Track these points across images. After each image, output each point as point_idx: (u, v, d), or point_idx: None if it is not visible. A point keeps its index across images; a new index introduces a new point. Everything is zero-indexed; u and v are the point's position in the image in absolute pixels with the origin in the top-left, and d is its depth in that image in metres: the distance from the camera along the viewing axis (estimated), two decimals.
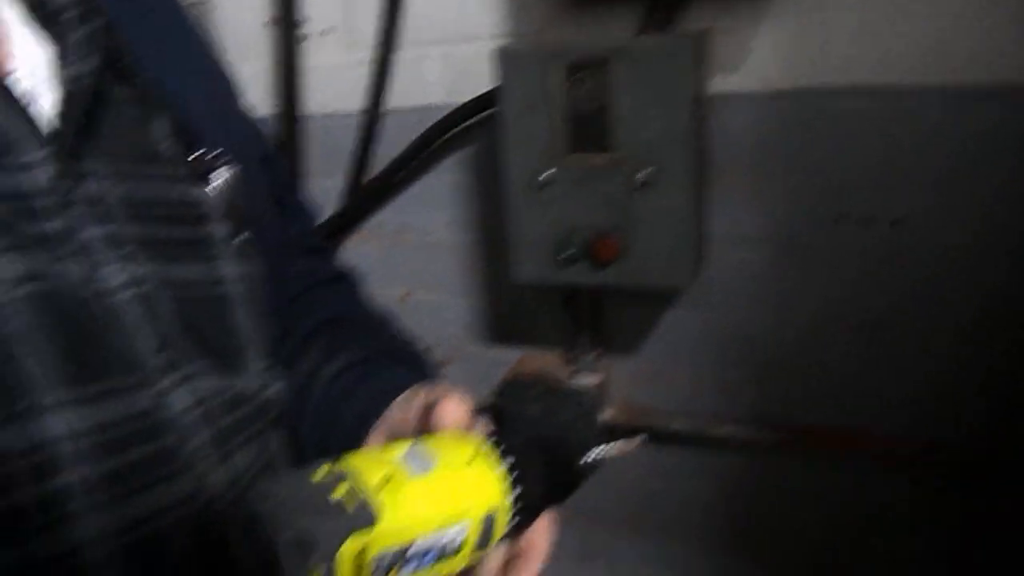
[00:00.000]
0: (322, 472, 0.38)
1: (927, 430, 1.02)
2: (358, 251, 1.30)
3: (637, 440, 0.52)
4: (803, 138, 0.97)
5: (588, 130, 0.89)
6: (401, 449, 0.42)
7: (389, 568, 0.37)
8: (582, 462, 0.50)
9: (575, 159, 0.90)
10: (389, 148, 1.17)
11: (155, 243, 0.44)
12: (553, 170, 0.91)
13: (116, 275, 0.41)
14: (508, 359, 1.24)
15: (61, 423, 0.37)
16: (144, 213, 0.44)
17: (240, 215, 0.51)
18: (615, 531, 1.28)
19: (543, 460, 0.45)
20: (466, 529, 0.41)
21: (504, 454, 0.44)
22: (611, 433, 1.05)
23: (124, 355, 0.40)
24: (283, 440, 0.53)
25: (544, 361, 1.21)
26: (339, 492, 0.37)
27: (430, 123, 1.12)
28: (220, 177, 0.50)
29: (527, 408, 1.16)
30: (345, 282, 0.70)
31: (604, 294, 1.13)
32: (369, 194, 1.21)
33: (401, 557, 0.38)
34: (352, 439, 0.50)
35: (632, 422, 1.16)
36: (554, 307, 1.17)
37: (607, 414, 1.16)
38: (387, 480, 0.38)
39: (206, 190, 0.49)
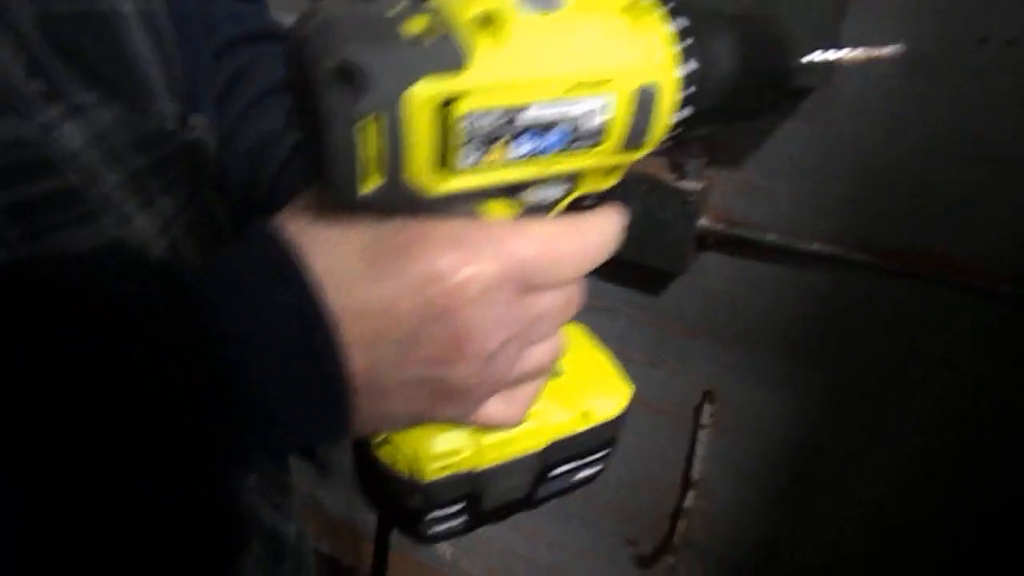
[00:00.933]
0: (388, 4, 0.28)
1: (1018, 265, 1.04)
2: None
3: (894, 47, 0.38)
4: None
5: None
6: None
7: (491, 140, 0.27)
8: (802, 60, 0.36)
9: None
10: None
11: None
12: None
13: None
14: None
15: None
16: None
17: None
18: (691, 335, 1.37)
19: (739, 34, 0.33)
20: (610, 104, 0.29)
21: (675, 13, 0.31)
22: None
23: None
24: (222, 198, 0.48)
25: (649, 163, 1.24)
26: (414, 25, 0.27)
27: None
28: None
29: (632, 203, 1.22)
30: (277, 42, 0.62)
31: None
32: None
33: (509, 126, 0.27)
34: None
35: (726, 231, 1.21)
36: None
37: (703, 220, 1.21)
38: (488, 18, 0.27)
39: None
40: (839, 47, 0.37)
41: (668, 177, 1.20)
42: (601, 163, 0.32)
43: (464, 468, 0.37)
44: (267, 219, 0.32)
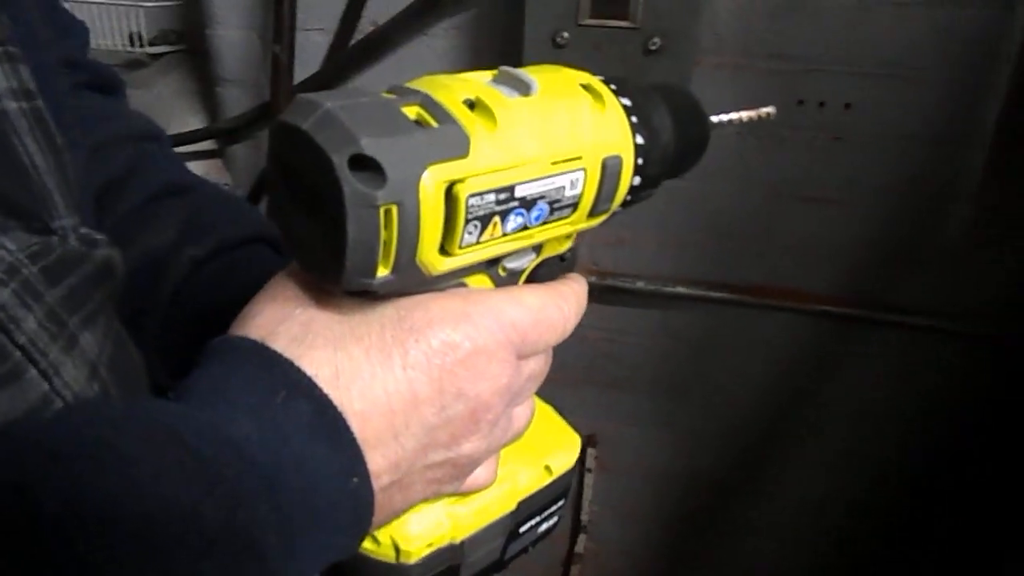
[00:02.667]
0: (381, 90, 0.29)
1: (859, 290, 1.22)
2: None
3: (769, 108, 0.44)
4: (775, 28, 1.10)
5: None
6: (484, 75, 0.32)
7: (490, 218, 0.29)
8: (714, 119, 0.41)
9: (593, 22, 0.98)
10: (383, 6, 1.18)
11: None
12: (570, 32, 0.99)
13: None
14: None
15: None
16: None
17: None
18: (571, 383, 1.43)
19: (668, 106, 0.37)
20: (582, 176, 0.32)
21: (620, 93, 0.35)
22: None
23: None
24: (120, 325, 0.40)
25: None
26: (411, 111, 0.28)
27: None
28: None
29: None
30: (167, 143, 0.56)
31: None
32: (357, 54, 1.22)
33: (503, 204, 0.29)
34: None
35: (599, 283, 1.29)
36: None
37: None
38: (476, 103, 0.29)
39: None
40: (730, 111, 0.43)
41: None
42: (571, 230, 0.35)
43: (446, 541, 0.38)
44: (233, 336, 0.30)
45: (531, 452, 0.43)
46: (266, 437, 0.26)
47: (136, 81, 1.37)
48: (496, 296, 0.33)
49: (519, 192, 0.30)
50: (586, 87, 0.34)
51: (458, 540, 0.38)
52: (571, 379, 1.42)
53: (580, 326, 1.24)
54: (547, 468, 0.43)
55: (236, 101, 1.32)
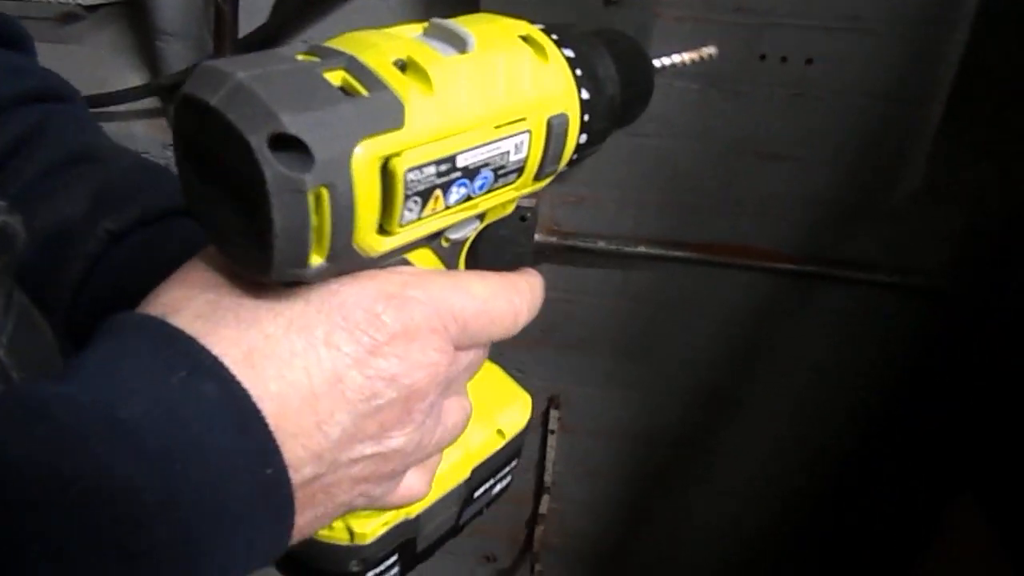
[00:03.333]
0: (298, 51, 0.26)
1: (816, 247, 1.23)
2: None
3: (711, 48, 0.44)
4: None
5: None
6: (414, 29, 0.29)
7: (430, 191, 0.27)
8: (656, 63, 0.40)
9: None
10: None
11: None
12: None
13: None
14: None
15: None
16: None
17: None
18: (532, 346, 1.42)
19: (612, 55, 0.35)
20: (527, 139, 0.30)
21: (562, 43, 0.33)
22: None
23: None
24: (28, 300, 0.38)
25: None
26: (335, 76, 0.25)
27: None
28: None
29: None
30: (81, 105, 0.52)
31: None
32: (305, 5, 1.17)
33: (445, 175, 0.27)
34: None
35: (560, 243, 1.27)
36: None
37: (537, 234, 1.26)
38: (408, 64, 0.26)
39: None
40: (672, 53, 0.43)
41: None
42: (516, 195, 0.33)
43: (400, 517, 0.36)
44: (130, 313, 0.27)
45: (483, 416, 0.41)
46: (159, 421, 0.23)
47: (71, 35, 1.29)
48: (441, 280, 0.30)
49: (461, 161, 0.27)
50: (526, 39, 0.31)
51: (413, 515, 0.37)
52: (531, 340, 1.41)
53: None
54: (499, 431, 0.42)
55: (178, 56, 1.25)
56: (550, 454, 1.49)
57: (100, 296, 0.42)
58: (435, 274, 0.31)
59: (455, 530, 0.43)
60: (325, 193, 0.23)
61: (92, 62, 1.29)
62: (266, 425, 0.25)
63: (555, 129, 0.31)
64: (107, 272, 0.42)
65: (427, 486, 0.34)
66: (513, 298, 0.33)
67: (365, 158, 0.24)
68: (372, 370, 0.27)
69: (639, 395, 1.41)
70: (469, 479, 0.40)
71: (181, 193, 0.28)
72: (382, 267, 0.29)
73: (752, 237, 1.23)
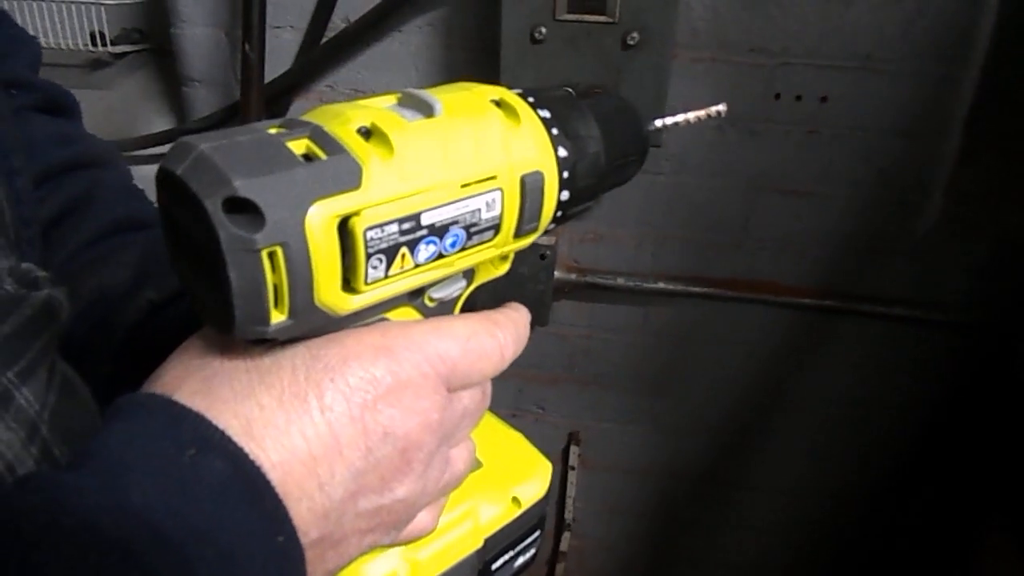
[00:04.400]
0: (271, 125, 0.27)
1: (835, 282, 1.23)
2: (301, 110, 1.28)
3: (720, 106, 0.43)
4: (750, 22, 1.10)
5: None
6: (387, 99, 0.31)
7: (395, 249, 0.27)
8: (650, 127, 0.40)
9: (571, 17, 0.97)
10: (355, 2, 1.16)
11: None
12: (548, 27, 0.98)
13: None
14: None
15: None
16: None
17: None
18: (551, 383, 1.42)
19: (596, 114, 0.35)
20: (499, 197, 0.30)
21: (538, 105, 0.33)
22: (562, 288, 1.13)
23: None
24: (71, 370, 0.37)
25: None
26: (298, 146, 0.26)
27: None
28: None
29: None
30: (125, 170, 0.53)
31: None
32: (329, 52, 1.20)
33: (409, 234, 0.27)
34: None
35: (579, 280, 1.28)
36: None
37: (557, 272, 1.27)
38: (372, 130, 0.28)
39: None
40: (676, 112, 0.43)
41: None
42: (499, 253, 0.33)
43: None
44: (136, 393, 0.27)
45: (496, 483, 0.40)
46: (173, 502, 0.24)
47: (99, 82, 1.33)
48: (419, 327, 0.30)
49: (426, 220, 0.28)
50: (498, 103, 0.32)
51: None
52: (552, 377, 1.41)
53: (559, 323, 1.23)
54: (515, 500, 0.41)
55: (204, 101, 1.29)
56: (571, 490, 1.48)
57: (141, 365, 0.42)
58: (414, 323, 0.31)
59: None
60: (280, 252, 0.24)
61: (120, 107, 1.32)
62: (276, 495, 0.26)
63: (529, 186, 0.31)
64: (148, 341, 0.42)
65: (435, 521, 0.34)
66: (496, 332, 0.33)
67: (320, 217, 0.25)
68: (366, 425, 0.28)
69: (660, 431, 1.41)
70: (482, 549, 0.39)
71: (170, 265, 0.29)
72: (360, 325, 0.30)
73: (772, 272, 1.24)
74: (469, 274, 0.34)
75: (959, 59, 1.07)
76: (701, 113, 0.43)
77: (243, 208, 0.24)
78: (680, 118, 0.42)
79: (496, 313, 0.35)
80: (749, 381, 1.33)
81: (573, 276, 1.28)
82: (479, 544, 0.38)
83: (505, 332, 0.34)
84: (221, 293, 0.25)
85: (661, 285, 1.27)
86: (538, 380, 1.42)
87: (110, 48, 1.31)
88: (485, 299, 0.37)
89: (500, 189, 0.30)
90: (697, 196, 1.21)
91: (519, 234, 0.32)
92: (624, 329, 1.33)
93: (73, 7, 1.25)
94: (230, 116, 1.26)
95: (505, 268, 0.36)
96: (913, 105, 1.11)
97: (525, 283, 1.24)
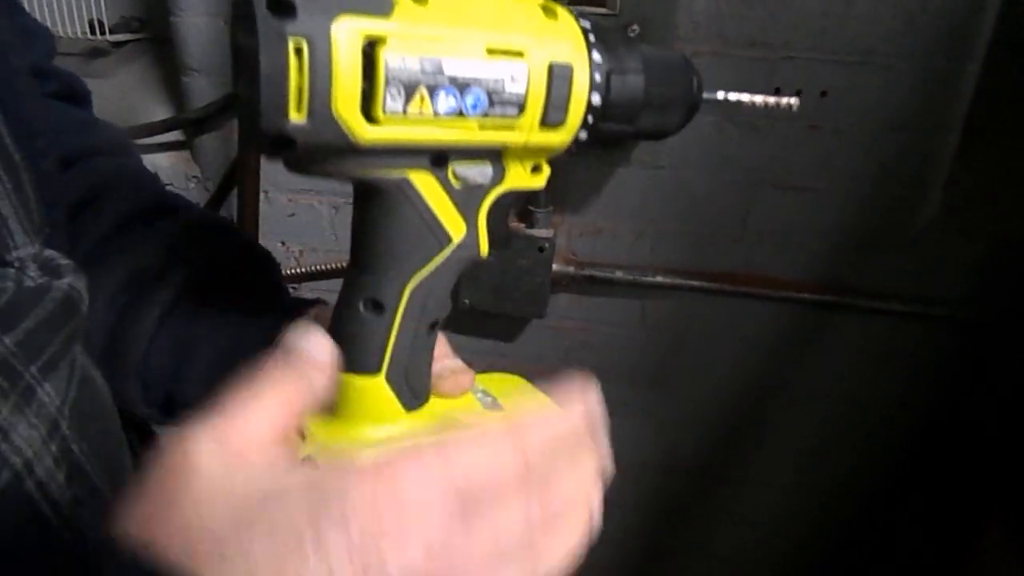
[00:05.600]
0: None
1: (834, 276, 1.23)
2: None
3: (791, 99, 0.41)
4: (751, 16, 1.10)
5: None
6: None
7: (414, 87, 0.28)
8: (709, 95, 0.39)
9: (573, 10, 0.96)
10: None
11: None
12: None
13: None
14: None
15: None
16: None
17: None
18: (548, 375, 1.41)
19: (646, 53, 0.36)
20: (524, 74, 0.31)
21: (582, 17, 0.34)
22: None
23: None
24: (89, 362, 0.36)
25: None
26: None
27: None
28: None
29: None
30: (138, 156, 0.53)
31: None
32: None
33: (429, 75, 0.29)
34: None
35: (577, 272, 1.28)
36: None
37: (555, 264, 1.27)
38: None
39: None
40: (742, 91, 0.41)
41: (519, 227, 1.25)
42: (525, 140, 0.33)
43: None
44: (129, 551, 0.24)
45: None
46: None
47: (98, 70, 1.33)
48: (423, 447, 0.26)
49: (448, 68, 0.29)
50: (543, 8, 0.33)
51: None
52: (548, 370, 1.41)
53: (557, 316, 1.23)
54: None
55: (202, 90, 1.28)
56: None
57: (174, 343, 0.42)
58: (413, 446, 0.26)
59: None
60: (305, 48, 0.27)
61: (119, 96, 1.32)
62: None
63: (557, 74, 0.32)
64: (180, 319, 0.42)
65: None
66: (516, 441, 0.27)
67: (347, 30, 0.27)
68: (360, 556, 0.24)
69: (657, 425, 1.41)
70: None
71: (233, 88, 0.29)
72: (375, 173, 0.30)
73: (771, 266, 1.24)
74: (499, 169, 0.34)
75: (959, 55, 1.07)
76: (770, 100, 0.42)
77: (284, 9, 0.26)
78: (745, 98, 0.41)
79: (518, 419, 0.28)
80: (747, 375, 1.33)
81: (571, 269, 1.28)
82: None
83: (527, 436, 0.27)
84: (254, 83, 0.27)
85: (659, 279, 1.26)
86: (535, 373, 1.42)
87: (109, 37, 1.31)
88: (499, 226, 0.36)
89: (527, 66, 0.31)
90: (696, 190, 1.21)
91: (545, 123, 0.33)
92: (622, 322, 1.33)
93: None
94: (229, 105, 1.26)
95: (539, 182, 0.36)
96: (913, 100, 1.11)
97: (523, 275, 1.24)
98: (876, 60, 1.09)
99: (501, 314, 1.28)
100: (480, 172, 0.33)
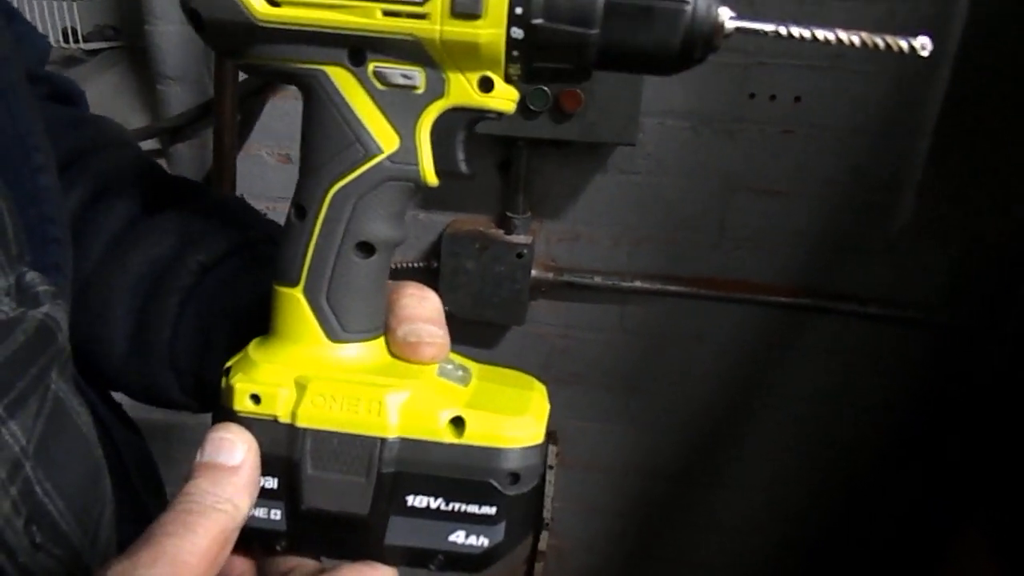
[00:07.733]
0: None
1: (809, 280, 1.24)
2: (276, 108, 1.28)
3: (924, 40, 0.27)
4: None
5: None
6: None
7: None
8: (730, 20, 0.29)
9: None
10: None
11: None
12: None
13: None
14: (439, 223, 1.30)
15: None
16: None
17: None
18: None
19: None
20: None
21: None
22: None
23: None
24: (67, 389, 0.35)
25: (478, 221, 1.28)
26: None
27: None
28: None
29: (466, 263, 1.24)
30: (137, 146, 0.52)
31: (538, 158, 1.22)
32: None
33: None
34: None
35: (556, 279, 1.28)
36: (489, 174, 1.25)
37: (533, 271, 1.27)
38: None
39: None
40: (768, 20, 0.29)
41: (497, 233, 1.25)
42: (440, 31, 0.29)
43: (273, 413, 0.31)
44: None
45: (450, 397, 0.32)
46: None
47: (73, 79, 1.31)
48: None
49: None
50: None
51: (297, 425, 0.31)
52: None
53: (536, 322, 1.23)
54: (455, 422, 0.31)
55: (178, 99, 1.28)
56: (549, 490, 1.48)
57: (197, 326, 0.42)
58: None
59: (369, 536, 0.32)
60: None
61: (94, 104, 1.30)
62: None
63: None
64: (202, 300, 0.42)
65: None
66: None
67: None
68: None
69: (637, 429, 1.41)
70: (393, 452, 0.31)
71: None
72: (290, 70, 0.31)
73: (747, 271, 1.25)
74: (437, 79, 0.31)
75: (930, 59, 1.08)
76: (879, 39, 0.28)
77: None
78: (795, 32, 0.29)
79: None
80: (725, 379, 1.33)
81: (550, 275, 1.28)
82: (386, 432, 0.31)
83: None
84: None
85: (637, 284, 1.27)
86: None
87: (83, 45, 1.30)
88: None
89: None
90: (673, 195, 1.22)
91: (457, 11, 0.29)
92: (601, 328, 1.34)
93: (45, 3, 1.24)
94: (204, 113, 1.25)
95: (494, 103, 0.31)
96: (886, 105, 1.12)
97: (502, 282, 1.24)
98: (849, 65, 1.10)
99: (480, 321, 1.28)
100: (405, 75, 0.31)
